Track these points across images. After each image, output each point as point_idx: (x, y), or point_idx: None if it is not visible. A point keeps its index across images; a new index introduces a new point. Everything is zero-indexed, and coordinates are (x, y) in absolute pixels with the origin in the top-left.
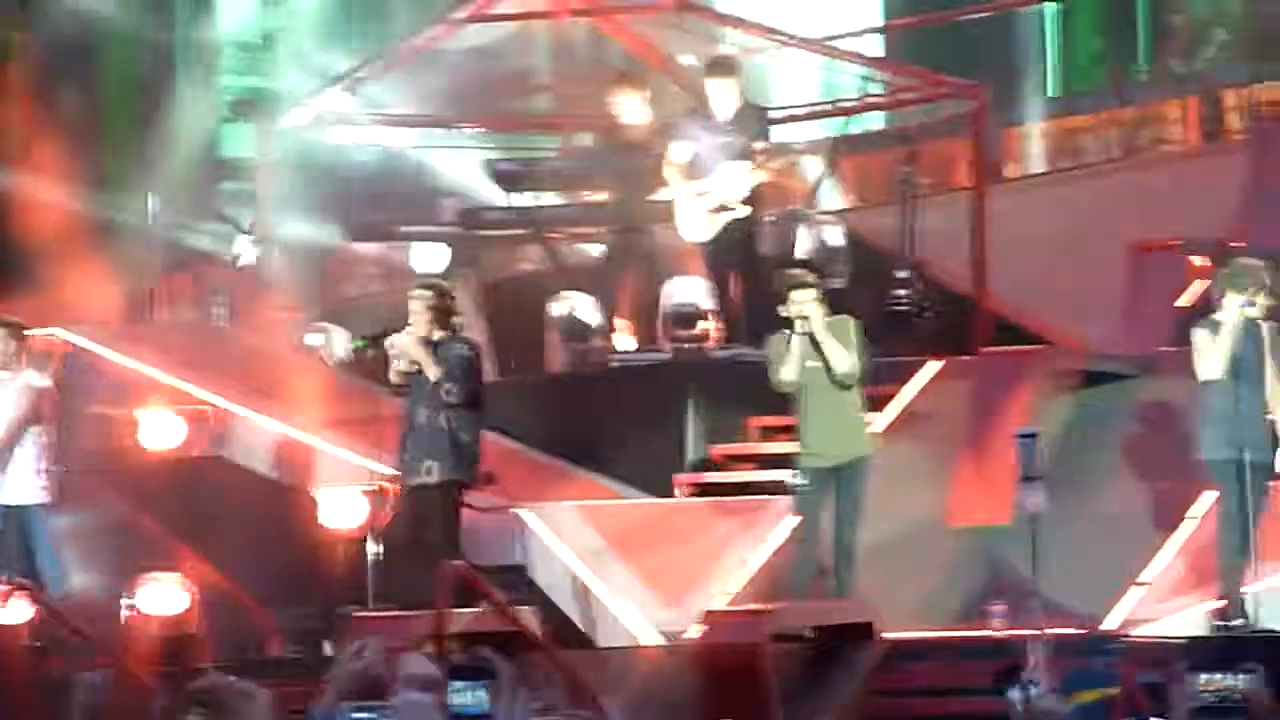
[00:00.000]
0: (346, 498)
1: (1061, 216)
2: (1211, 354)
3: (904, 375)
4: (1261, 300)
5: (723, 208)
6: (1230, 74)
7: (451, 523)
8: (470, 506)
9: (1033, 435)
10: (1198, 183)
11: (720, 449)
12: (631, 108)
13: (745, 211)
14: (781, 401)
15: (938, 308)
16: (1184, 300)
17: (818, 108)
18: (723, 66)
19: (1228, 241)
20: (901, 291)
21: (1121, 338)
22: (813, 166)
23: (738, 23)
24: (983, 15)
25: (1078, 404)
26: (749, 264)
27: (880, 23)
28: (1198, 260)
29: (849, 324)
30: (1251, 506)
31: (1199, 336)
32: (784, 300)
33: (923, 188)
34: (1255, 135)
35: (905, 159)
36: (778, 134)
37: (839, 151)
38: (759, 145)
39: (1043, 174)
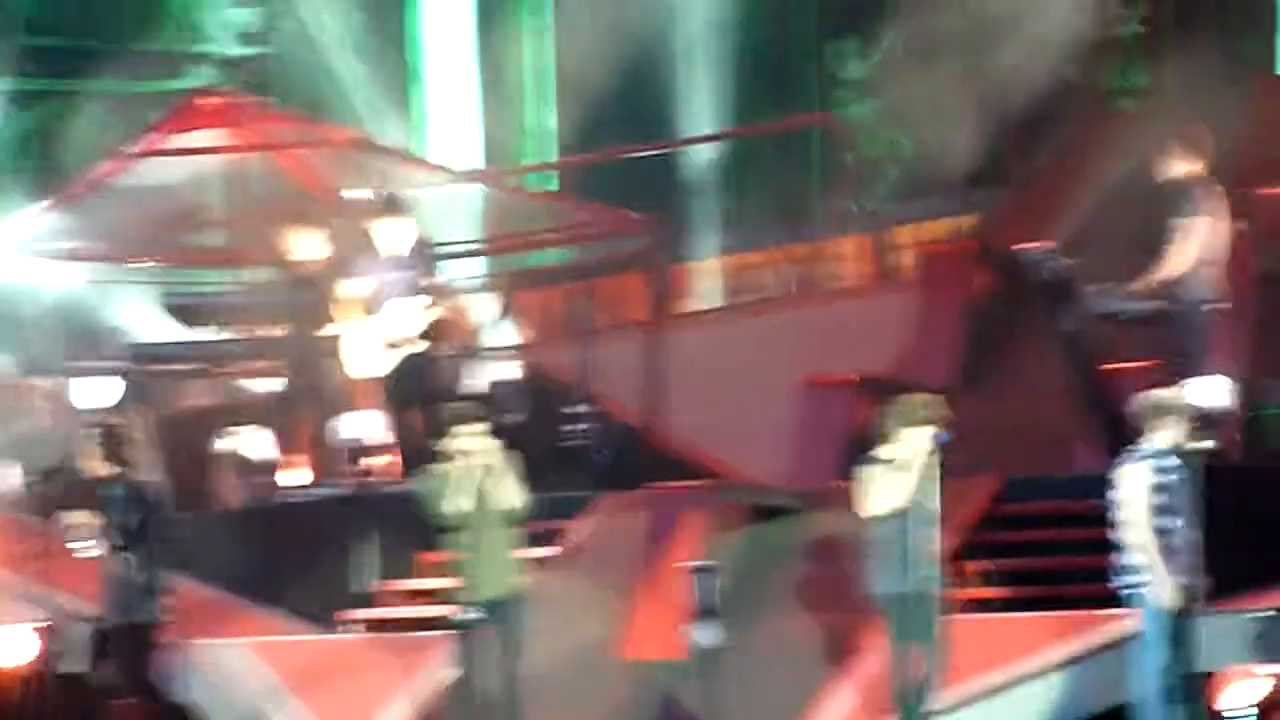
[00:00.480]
0: (16, 635)
1: (736, 351)
2: (880, 489)
3: (576, 509)
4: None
5: (398, 343)
6: (901, 212)
7: (132, 660)
8: (149, 644)
9: (707, 569)
10: (870, 319)
11: (391, 584)
12: (307, 243)
13: (421, 346)
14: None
15: (612, 442)
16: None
17: (493, 243)
18: (393, 205)
19: (898, 377)
20: (576, 426)
21: (794, 472)
22: (488, 302)
23: (414, 160)
24: (658, 153)
25: (750, 538)
26: (426, 398)
27: (555, 159)
28: (868, 397)
29: (511, 460)
30: (922, 639)
31: (868, 472)
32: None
33: (599, 322)
34: (924, 272)
35: (581, 293)
36: (454, 269)
37: (518, 286)
38: (431, 281)
39: (718, 309)
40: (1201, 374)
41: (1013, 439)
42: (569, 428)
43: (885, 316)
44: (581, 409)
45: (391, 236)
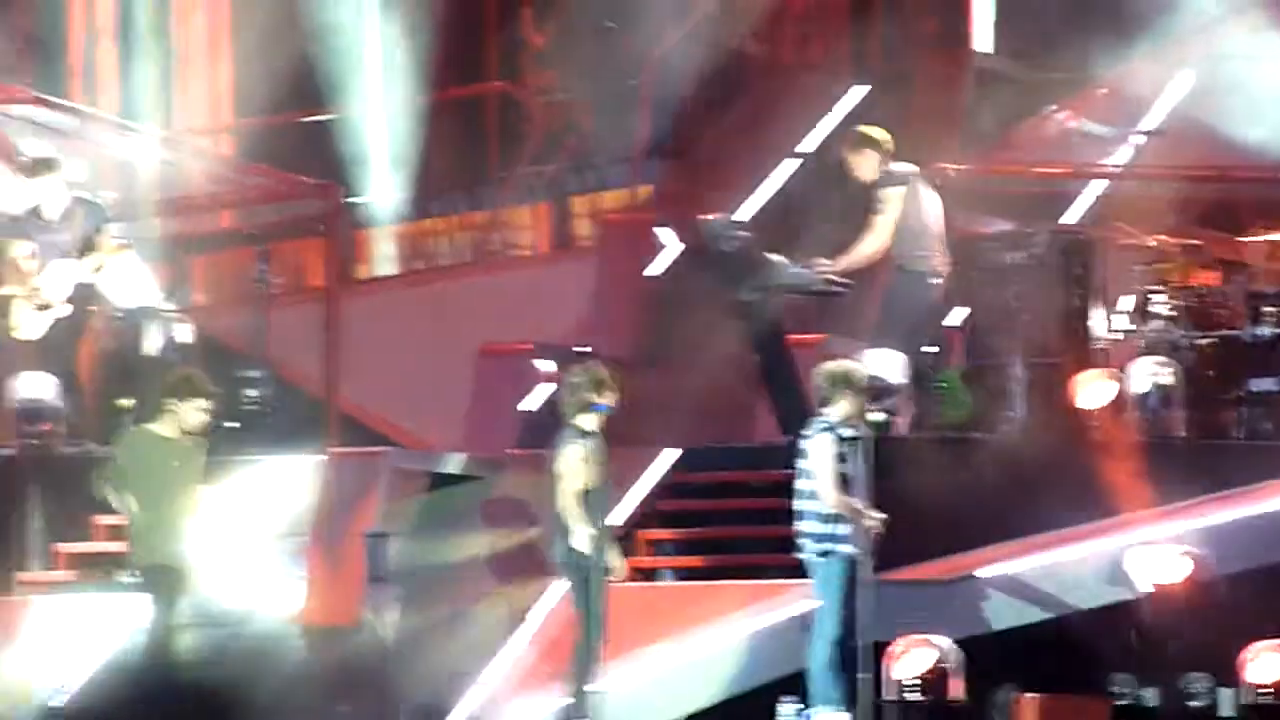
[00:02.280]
0: None
1: (413, 319)
2: (570, 460)
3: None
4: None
5: (47, 305)
6: (580, 181)
7: None
8: None
9: (381, 535)
10: (547, 288)
11: (65, 547)
12: None
13: (68, 310)
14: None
15: (288, 408)
16: (530, 404)
17: (168, 205)
18: (45, 165)
19: (575, 346)
20: (252, 391)
21: (471, 439)
22: (162, 264)
23: (88, 116)
24: (339, 118)
25: (428, 505)
26: (95, 360)
27: (231, 121)
28: (545, 365)
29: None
30: (597, 605)
31: (563, 444)
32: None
33: (277, 287)
34: (601, 242)
35: (258, 258)
36: (127, 231)
37: (193, 249)
38: (94, 240)
39: (396, 276)
40: (878, 346)
41: (692, 409)
42: (245, 392)
43: (563, 286)
44: (257, 374)
45: (46, 196)
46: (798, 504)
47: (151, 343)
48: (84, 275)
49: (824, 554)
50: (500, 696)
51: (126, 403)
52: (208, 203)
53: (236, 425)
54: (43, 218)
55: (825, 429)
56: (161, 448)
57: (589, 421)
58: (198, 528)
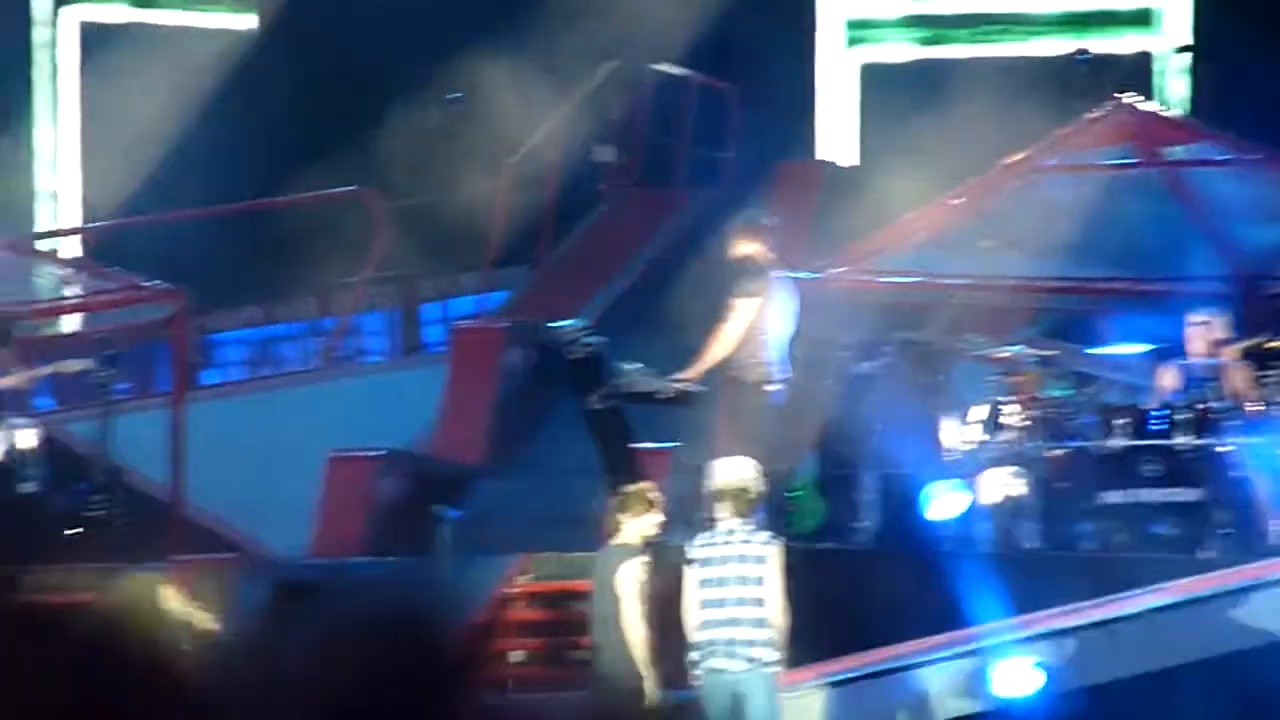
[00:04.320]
0: None
1: (261, 425)
2: None
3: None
4: None
5: None
6: (431, 287)
7: None
8: None
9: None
10: (398, 394)
11: None
12: None
13: None
14: None
15: (133, 515)
16: (379, 510)
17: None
18: None
19: (420, 453)
20: (96, 498)
21: (319, 546)
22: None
23: None
24: (188, 221)
25: (274, 614)
26: None
27: (79, 224)
28: (388, 472)
29: None
30: None
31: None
32: None
33: (122, 393)
34: (455, 348)
35: (103, 363)
36: None
37: (42, 353)
38: None
39: (245, 381)
40: (728, 455)
41: (543, 517)
42: (90, 499)
43: (414, 392)
44: (102, 480)
45: None
46: (725, 611)
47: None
48: None
49: (767, 664)
50: None
51: None
52: (53, 307)
53: (80, 533)
54: None
55: (773, 539)
56: None
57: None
58: None
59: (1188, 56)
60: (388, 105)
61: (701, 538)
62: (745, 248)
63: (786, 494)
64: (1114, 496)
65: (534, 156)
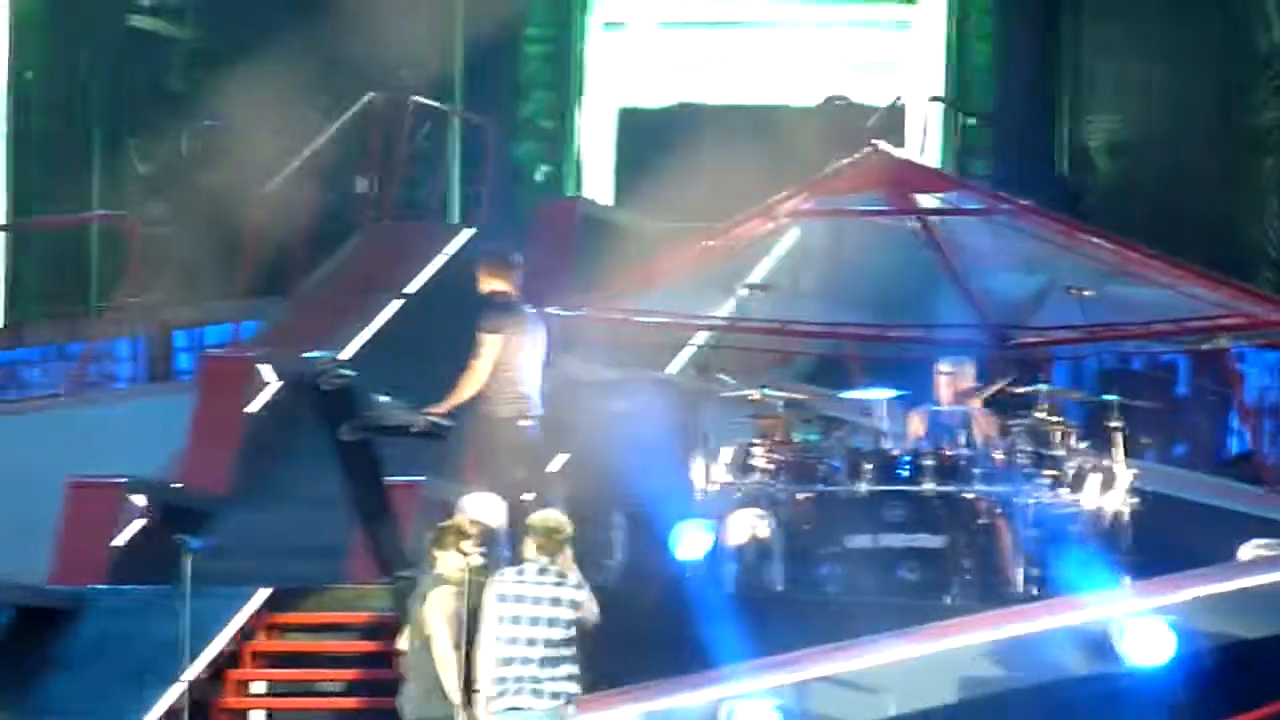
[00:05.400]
0: None
1: (4, 449)
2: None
3: None
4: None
5: None
6: (181, 315)
7: None
8: None
9: None
10: (145, 421)
11: None
12: None
13: None
14: None
15: None
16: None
17: None
18: None
19: (165, 481)
20: None
21: (58, 573)
22: None
23: None
24: None
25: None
26: None
27: None
28: (130, 499)
29: None
30: None
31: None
32: None
33: None
34: (204, 377)
35: None
36: None
37: None
38: None
39: None
40: (481, 488)
41: (287, 548)
42: None
43: (161, 419)
44: None
45: None
46: (527, 650)
47: None
48: None
49: (556, 696)
50: None
51: None
52: None
53: None
54: None
55: (583, 584)
56: None
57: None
58: None
59: (940, 106)
60: (146, 128)
61: (509, 574)
62: (492, 283)
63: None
64: (860, 540)
65: (290, 185)
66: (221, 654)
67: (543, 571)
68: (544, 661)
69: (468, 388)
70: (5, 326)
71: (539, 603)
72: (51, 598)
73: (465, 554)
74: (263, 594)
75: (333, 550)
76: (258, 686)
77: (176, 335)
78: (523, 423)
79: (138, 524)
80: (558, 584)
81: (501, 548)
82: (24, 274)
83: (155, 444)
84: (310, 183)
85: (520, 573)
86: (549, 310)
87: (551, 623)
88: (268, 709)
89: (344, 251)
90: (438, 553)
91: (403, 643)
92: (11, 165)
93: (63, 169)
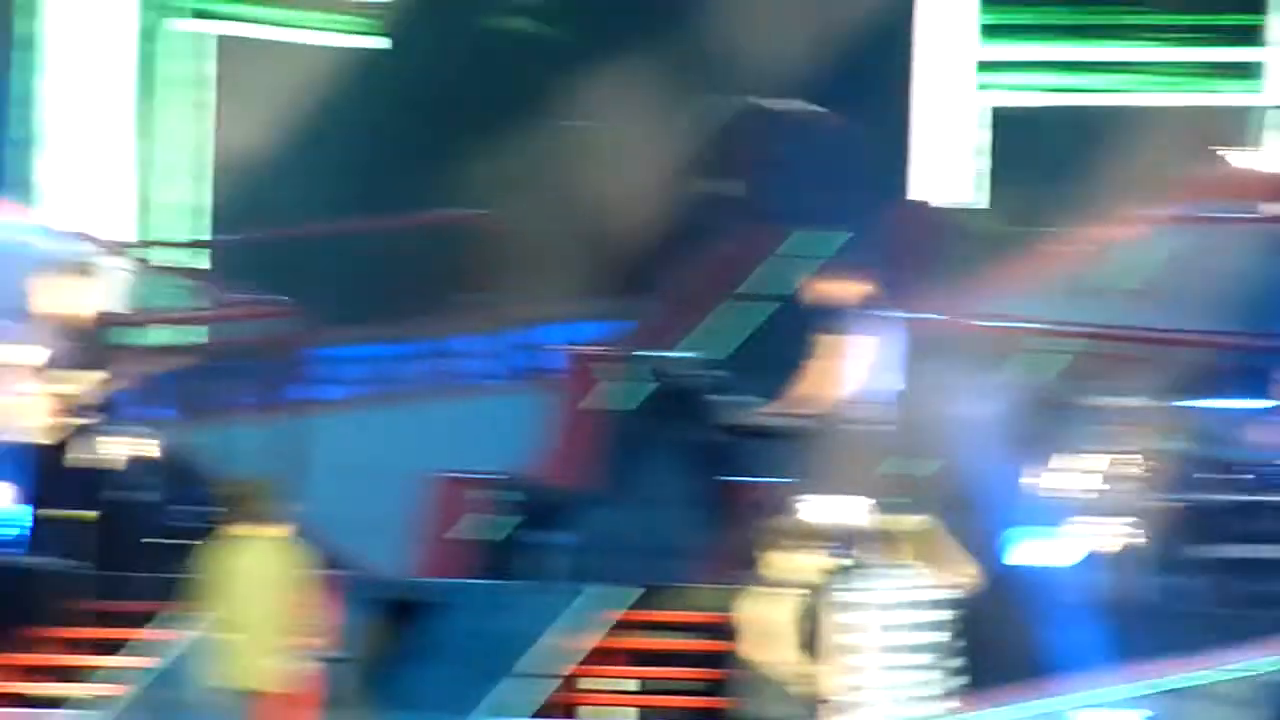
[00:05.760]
0: None
1: (370, 442)
2: None
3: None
4: None
5: (74, 413)
6: (544, 313)
7: None
8: None
9: (340, 660)
10: (506, 418)
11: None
12: None
13: (98, 419)
14: None
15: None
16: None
17: (135, 319)
18: (82, 267)
19: (528, 478)
20: (215, 508)
21: (422, 567)
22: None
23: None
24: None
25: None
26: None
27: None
28: (495, 495)
29: None
30: None
31: None
32: None
33: (238, 405)
34: (565, 374)
35: (220, 375)
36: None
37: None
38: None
39: (355, 398)
40: (833, 492)
41: (647, 547)
42: (205, 508)
43: (521, 416)
44: (213, 491)
45: (79, 301)
46: (902, 658)
47: (116, 455)
48: (100, 384)
49: (934, 700)
50: None
51: (90, 515)
52: (174, 318)
53: (195, 543)
54: (74, 322)
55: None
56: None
57: None
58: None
59: None
60: (510, 128)
61: (874, 578)
62: (840, 287)
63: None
64: (1229, 551)
65: (653, 185)
66: (584, 651)
67: (908, 575)
68: (921, 667)
69: (824, 390)
70: (369, 323)
71: (911, 607)
72: (416, 592)
73: (813, 556)
74: (624, 591)
75: (692, 550)
76: (619, 684)
77: (537, 333)
78: (872, 426)
79: (500, 520)
80: (926, 586)
81: (857, 549)
82: (393, 269)
83: (516, 441)
84: (674, 183)
85: (884, 576)
86: (906, 315)
87: (924, 626)
88: (631, 706)
89: (706, 252)
90: (786, 555)
91: (750, 645)
92: (370, 162)
93: (424, 166)
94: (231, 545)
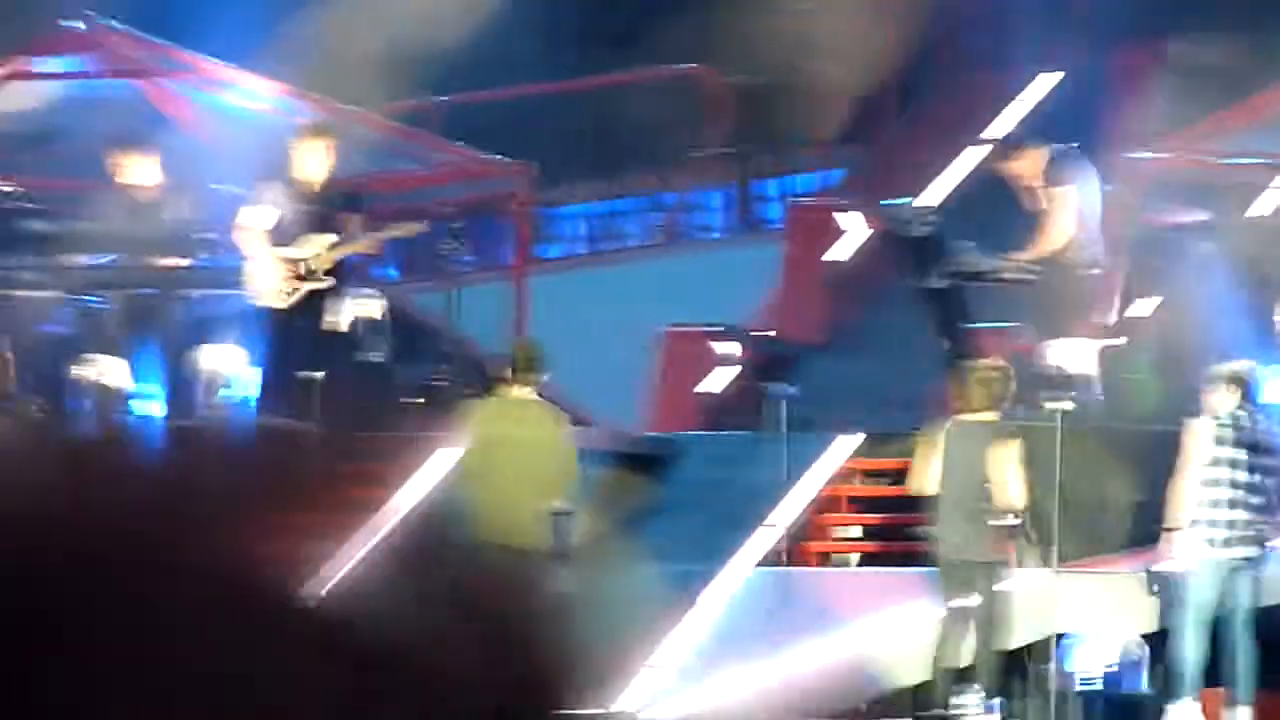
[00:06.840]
0: None
1: (599, 299)
2: None
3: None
4: None
5: (305, 276)
6: (769, 165)
7: None
8: None
9: (565, 513)
10: (734, 271)
11: None
12: (140, 168)
13: (329, 283)
14: None
15: (475, 384)
16: (708, 386)
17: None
18: (318, 129)
19: (756, 330)
20: (443, 367)
21: (653, 420)
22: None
23: (290, 92)
24: (527, 95)
25: (613, 483)
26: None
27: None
28: (723, 348)
29: None
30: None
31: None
32: None
33: (465, 265)
34: (789, 226)
35: (449, 236)
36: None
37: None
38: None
39: (583, 256)
40: (1067, 336)
41: (876, 395)
42: (437, 368)
43: (750, 269)
44: (448, 351)
45: (308, 164)
46: (1238, 494)
47: (342, 318)
48: (339, 249)
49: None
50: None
51: (316, 375)
52: (401, 180)
53: (422, 402)
54: (305, 187)
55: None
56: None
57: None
58: None
59: None
60: None
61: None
62: (1037, 145)
63: (1124, 375)
64: None
65: (873, 36)
66: (813, 499)
67: (1240, 417)
68: (1249, 507)
69: (1053, 237)
70: (596, 180)
71: (1254, 450)
72: (648, 445)
73: (1041, 401)
74: (853, 440)
75: (919, 398)
76: (847, 530)
77: (764, 185)
78: (1097, 270)
79: (730, 371)
80: (1262, 431)
81: (1090, 393)
82: (617, 126)
83: (745, 293)
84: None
85: (1227, 419)
86: (1133, 155)
87: (1251, 470)
88: (858, 552)
89: (926, 102)
90: (981, 394)
91: (931, 483)
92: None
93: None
94: (494, 405)
